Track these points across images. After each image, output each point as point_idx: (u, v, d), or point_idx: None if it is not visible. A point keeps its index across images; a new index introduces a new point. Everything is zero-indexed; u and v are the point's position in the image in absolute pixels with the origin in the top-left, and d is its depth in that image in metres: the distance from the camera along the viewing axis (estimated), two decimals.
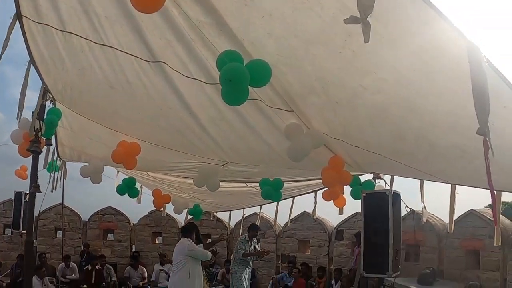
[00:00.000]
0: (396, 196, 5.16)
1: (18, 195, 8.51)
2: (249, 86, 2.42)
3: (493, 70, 1.84)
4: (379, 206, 4.99)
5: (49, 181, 7.11)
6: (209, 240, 8.83)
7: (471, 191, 4.20)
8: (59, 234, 10.89)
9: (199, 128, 3.90)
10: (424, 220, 5.79)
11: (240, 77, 2.30)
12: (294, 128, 3.49)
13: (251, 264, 8.46)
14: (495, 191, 3.84)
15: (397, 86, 2.45)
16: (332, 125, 3.47)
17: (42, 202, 9.77)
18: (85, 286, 8.85)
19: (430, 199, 6.09)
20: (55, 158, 5.99)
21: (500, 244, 4.65)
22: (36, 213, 9.87)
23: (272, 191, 5.75)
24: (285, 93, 2.97)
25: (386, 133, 3.39)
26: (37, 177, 4.72)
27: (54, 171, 6.62)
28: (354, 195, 5.80)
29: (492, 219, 4.68)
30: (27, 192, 9.37)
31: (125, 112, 4.12)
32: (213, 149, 4.56)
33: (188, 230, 6.16)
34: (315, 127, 3.56)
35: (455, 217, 6.91)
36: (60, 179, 7.05)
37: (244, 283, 8.16)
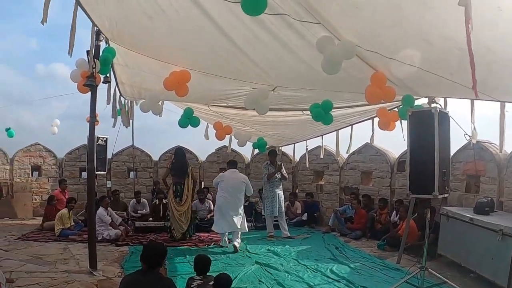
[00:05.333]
0: (443, 115, 4.98)
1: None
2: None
3: None
4: (425, 125, 4.86)
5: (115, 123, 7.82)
6: None
7: None
8: (132, 174, 11.81)
9: (235, 49, 4.01)
10: (474, 141, 5.55)
11: None
12: (325, 40, 3.47)
13: (280, 187, 9.24)
14: None
15: None
16: (361, 35, 3.42)
17: (114, 145, 10.82)
18: (151, 218, 9.65)
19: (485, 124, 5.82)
20: (117, 98, 6.54)
21: None
22: (109, 156, 10.97)
23: (322, 113, 5.71)
24: (304, 1, 2.96)
25: (410, 37, 3.25)
26: (95, 108, 5.27)
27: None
28: (402, 116, 5.69)
29: None
30: (99, 136, 10.25)
31: (167, 40, 4.34)
32: (257, 73, 4.69)
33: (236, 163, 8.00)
34: (346, 39, 3.51)
35: None
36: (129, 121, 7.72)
37: (276, 203, 8.99)
